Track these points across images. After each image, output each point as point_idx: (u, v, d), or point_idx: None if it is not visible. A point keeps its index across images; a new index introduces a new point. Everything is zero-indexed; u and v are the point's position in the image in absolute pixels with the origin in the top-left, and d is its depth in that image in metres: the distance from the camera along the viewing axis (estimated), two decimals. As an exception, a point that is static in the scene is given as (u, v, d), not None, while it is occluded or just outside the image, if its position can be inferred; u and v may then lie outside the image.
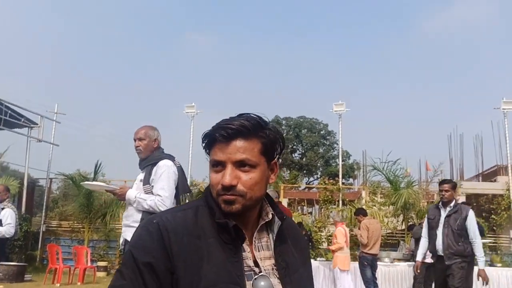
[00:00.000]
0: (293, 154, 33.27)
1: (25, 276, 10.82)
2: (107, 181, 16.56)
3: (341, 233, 9.58)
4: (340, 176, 15.25)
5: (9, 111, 12.87)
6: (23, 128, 14.08)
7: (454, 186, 5.39)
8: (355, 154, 31.31)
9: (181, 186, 3.65)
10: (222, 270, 1.10)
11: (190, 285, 1.08)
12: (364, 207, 11.64)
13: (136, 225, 3.51)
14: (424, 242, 5.51)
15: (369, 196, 14.62)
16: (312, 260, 10.38)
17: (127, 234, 3.57)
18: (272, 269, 1.20)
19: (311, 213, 18.62)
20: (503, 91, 52.92)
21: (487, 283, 5.24)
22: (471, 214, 5.21)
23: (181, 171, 3.69)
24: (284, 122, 33.57)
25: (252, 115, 1.19)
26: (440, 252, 5.20)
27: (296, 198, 17.65)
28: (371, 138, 47.33)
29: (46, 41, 65.66)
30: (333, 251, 9.66)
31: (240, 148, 1.15)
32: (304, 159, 32.49)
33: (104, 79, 62.85)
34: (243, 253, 1.16)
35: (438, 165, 14.94)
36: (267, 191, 1.25)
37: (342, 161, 21.05)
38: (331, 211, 13.60)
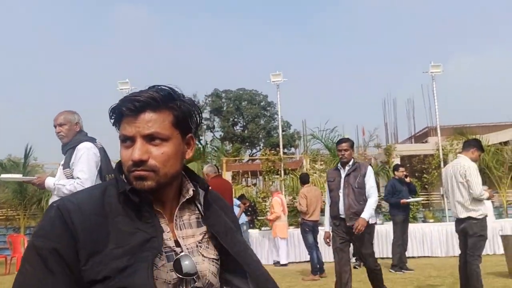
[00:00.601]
0: (234, 127, 33.31)
1: (-43, 270, 10.23)
2: (40, 164, 15.83)
3: (278, 202, 9.81)
4: (281, 146, 15.48)
5: None
6: None
7: (352, 145, 5.21)
8: (295, 124, 31.98)
9: (105, 167, 3.62)
10: (129, 248, 1.04)
11: (98, 267, 1.01)
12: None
13: None
14: (328, 209, 5.26)
15: (309, 164, 15.02)
16: (257, 230, 10.60)
17: None
18: (196, 246, 1.16)
19: (255, 184, 18.89)
20: (431, 55, 55.67)
21: (357, 232, 4.81)
22: (370, 170, 5.07)
23: (103, 152, 3.66)
24: (223, 95, 33.39)
25: (163, 87, 1.12)
26: (342, 214, 4.98)
27: (240, 171, 17.80)
28: (309, 108, 48.41)
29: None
30: (271, 221, 9.91)
31: (149, 121, 1.08)
32: (246, 132, 32.64)
33: (32, 57, 59.08)
34: (163, 234, 1.10)
35: (374, 130, 15.61)
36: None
37: (283, 131, 21.41)
38: (273, 181, 13.85)
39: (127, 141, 1.10)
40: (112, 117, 1.13)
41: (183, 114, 1.14)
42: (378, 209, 10.51)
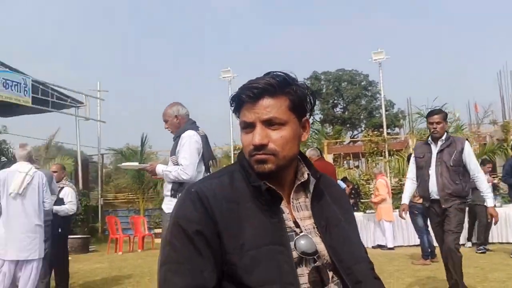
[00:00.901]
0: (334, 109, 32.73)
1: (90, 247, 11.55)
2: (154, 152, 17.07)
3: (383, 184, 9.49)
4: (385, 126, 14.95)
5: (55, 93, 13.37)
6: (71, 108, 14.62)
7: (445, 117, 4.64)
8: (399, 103, 30.44)
9: (206, 153, 3.83)
10: (264, 232, 1.10)
11: (234, 250, 1.09)
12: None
13: (169, 194, 3.72)
14: (410, 184, 4.79)
15: (416, 145, 14.29)
16: (361, 213, 10.40)
17: (163, 205, 3.86)
18: (314, 228, 1.20)
19: (357, 166, 18.48)
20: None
21: (496, 223, 4.49)
22: (467, 145, 4.47)
23: (205, 139, 3.86)
24: (322, 77, 32.92)
25: (278, 73, 1.16)
26: (435, 195, 4.46)
27: (341, 153, 17.53)
28: (414, 85, 45.76)
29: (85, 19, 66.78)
30: (376, 203, 9.63)
31: (267, 107, 1.13)
32: (346, 113, 31.93)
33: (142, 53, 63.59)
34: (282, 215, 1.16)
35: (488, 105, 14.37)
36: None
37: (386, 111, 20.55)
38: (377, 163, 13.45)
39: (247, 127, 1.16)
40: (232, 105, 1.20)
41: (298, 99, 1.17)
42: (495, 190, 9.71)
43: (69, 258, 6.27)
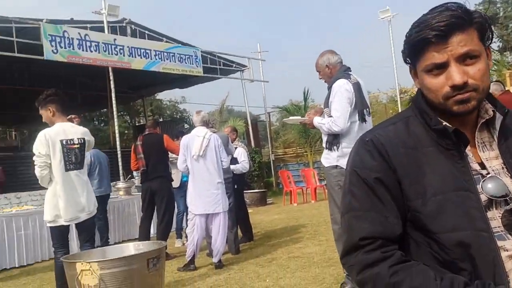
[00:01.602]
0: (517, 33, 28.23)
1: (267, 200, 12.44)
2: (316, 105, 17.25)
3: None
4: None
5: (222, 60, 14.36)
6: (236, 73, 15.56)
7: None
8: None
9: (359, 101, 3.63)
10: (448, 177, 1.06)
11: (416, 196, 1.06)
12: None
13: (325, 146, 3.70)
14: None
15: None
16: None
17: (322, 158, 3.84)
18: (502, 168, 1.10)
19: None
20: None
21: None
22: None
23: (357, 86, 3.65)
24: (498, 0, 28.51)
25: (454, 3, 1.07)
26: None
27: (529, 83, 15.13)
28: None
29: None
30: None
31: (460, 42, 1.05)
32: (532, 36, 27.25)
33: (294, 7, 63.68)
34: (467, 157, 1.09)
35: None
36: (491, 85, 1.11)
37: None
38: None
39: (435, 69, 1.08)
40: (412, 49, 1.11)
41: (483, 27, 1.08)
42: None
43: (250, 210, 6.85)
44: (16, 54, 8.67)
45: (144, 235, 5.98)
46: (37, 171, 3.87)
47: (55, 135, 3.93)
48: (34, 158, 3.88)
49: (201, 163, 5.14)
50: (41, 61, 9.30)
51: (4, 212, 6.67)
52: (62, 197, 3.88)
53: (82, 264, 2.69)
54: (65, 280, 3.10)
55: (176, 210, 6.72)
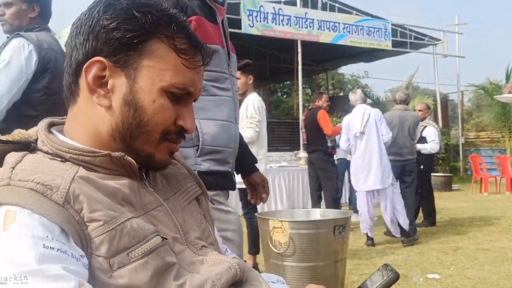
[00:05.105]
0: None
1: (452, 185, 11.52)
2: (523, 84, 15.03)
3: None
4: None
5: (413, 34, 13.51)
6: (428, 47, 14.50)
7: None
8: None
9: None
10: None
11: None
12: None
13: None
14: None
15: None
16: None
17: None
18: None
19: None
20: None
21: None
22: None
23: None
24: None
25: None
26: None
27: None
28: None
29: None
30: None
31: None
32: None
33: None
34: None
35: None
36: None
37: None
38: None
39: None
40: None
41: None
42: None
43: (433, 194, 6.45)
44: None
45: (316, 203, 6.12)
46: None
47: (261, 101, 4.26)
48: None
49: (363, 141, 5.15)
50: (238, 34, 10.09)
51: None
52: None
53: (274, 221, 2.90)
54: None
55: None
